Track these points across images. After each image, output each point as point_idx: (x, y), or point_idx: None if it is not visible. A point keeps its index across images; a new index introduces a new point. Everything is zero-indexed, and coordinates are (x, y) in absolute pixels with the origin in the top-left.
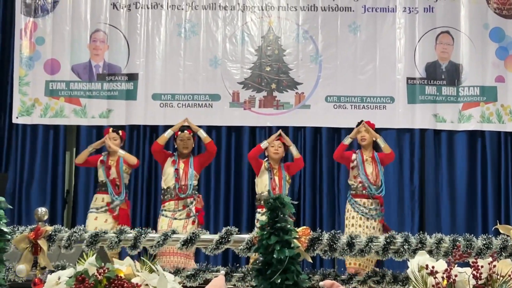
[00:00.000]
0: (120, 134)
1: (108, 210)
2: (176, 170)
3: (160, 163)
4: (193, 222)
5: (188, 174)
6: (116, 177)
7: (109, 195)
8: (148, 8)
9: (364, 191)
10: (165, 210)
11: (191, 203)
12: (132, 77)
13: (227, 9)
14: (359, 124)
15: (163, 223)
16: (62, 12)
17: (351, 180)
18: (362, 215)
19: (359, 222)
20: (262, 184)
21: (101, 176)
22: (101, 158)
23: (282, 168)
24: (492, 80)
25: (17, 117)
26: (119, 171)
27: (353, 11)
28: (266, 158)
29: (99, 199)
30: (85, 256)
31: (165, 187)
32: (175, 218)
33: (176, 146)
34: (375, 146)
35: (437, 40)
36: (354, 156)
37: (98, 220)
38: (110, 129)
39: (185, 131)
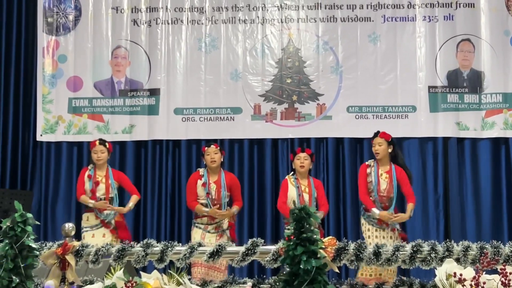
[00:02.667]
0: (107, 146)
1: (104, 226)
2: (208, 194)
3: None
4: (221, 235)
5: (221, 194)
6: (104, 193)
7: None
8: (168, 23)
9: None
10: (198, 223)
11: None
12: (153, 92)
13: (247, 23)
14: (375, 135)
15: (196, 235)
16: (84, 30)
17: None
18: (377, 227)
19: (376, 234)
20: (290, 200)
21: (88, 194)
22: (88, 172)
23: (312, 184)
24: None
25: (41, 135)
26: (108, 186)
27: (373, 21)
28: (293, 172)
29: (91, 218)
30: (112, 270)
31: (200, 203)
32: (208, 231)
33: (204, 162)
34: (393, 159)
35: (458, 48)
36: (368, 170)
37: (96, 237)
38: (97, 142)
39: (212, 146)
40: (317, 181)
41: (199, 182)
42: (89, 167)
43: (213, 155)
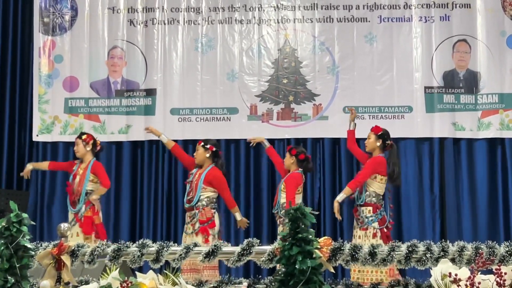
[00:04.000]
0: (83, 138)
1: (76, 219)
2: (191, 182)
3: None
4: (196, 234)
5: (197, 186)
6: (79, 186)
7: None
8: (164, 23)
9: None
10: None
11: (196, 215)
12: (150, 93)
13: (243, 23)
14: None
15: (183, 239)
16: (80, 30)
17: None
18: (355, 224)
19: (353, 232)
20: None
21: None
22: (74, 167)
23: (284, 178)
24: (510, 87)
25: (37, 135)
26: (82, 179)
27: (369, 21)
28: None
29: (70, 215)
30: (108, 271)
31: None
32: (186, 232)
33: None
34: (389, 155)
35: (454, 48)
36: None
37: (73, 237)
38: (77, 136)
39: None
40: (291, 174)
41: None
42: (77, 162)
43: (196, 152)
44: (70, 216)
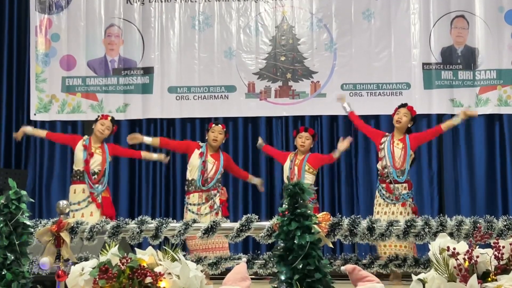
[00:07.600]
0: (114, 127)
1: (93, 200)
2: (204, 162)
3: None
4: (217, 213)
5: (215, 169)
6: (99, 164)
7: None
8: (161, 1)
9: (387, 176)
10: (190, 204)
11: (215, 195)
12: (147, 71)
13: (241, 0)
14: (402, 106)
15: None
16: (77, 8)
17: (379, 163)
18: (388, 201)
19: (385, 209)
20: (284, 174)
21: (80, 164)
22: (83, 142)
23: (305, 159)
24: (508, 63)
25: (35, 114)
26: (105, 159)
27: None
28: (296, 151)
29: (78, 191)
30: (107, 247)
31: (190, 179)
32: (201, 214)
33: (206, 137)
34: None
35: (452, 24)
36: (383, 139)
37: (85, 217)
38: (109, 118)
39: (219, 125)
40: (313, 155)
41: (196, 152)
42: (84, 138)
43: (217, 134)
44: (82, 195)
